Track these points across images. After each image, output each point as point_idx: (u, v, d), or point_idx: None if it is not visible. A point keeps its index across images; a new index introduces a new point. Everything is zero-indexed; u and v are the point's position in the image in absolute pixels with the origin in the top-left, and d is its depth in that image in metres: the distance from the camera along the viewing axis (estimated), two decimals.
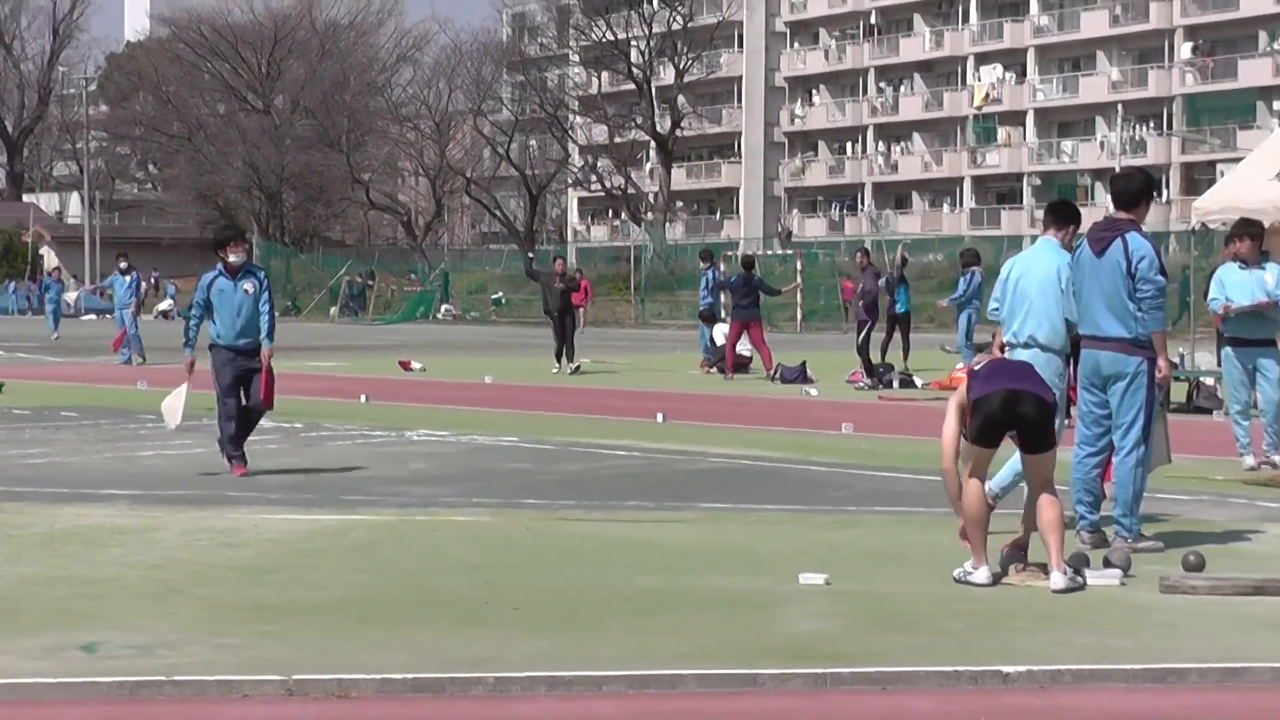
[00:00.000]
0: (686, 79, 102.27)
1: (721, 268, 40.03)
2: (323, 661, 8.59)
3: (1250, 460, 17.82)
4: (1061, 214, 13.56)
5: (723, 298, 38.13)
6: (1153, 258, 12.28)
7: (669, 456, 19.14)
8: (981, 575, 10.91)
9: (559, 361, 34.63)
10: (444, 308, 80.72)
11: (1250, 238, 18.45)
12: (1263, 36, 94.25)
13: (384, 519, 14.04)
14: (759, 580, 11.11)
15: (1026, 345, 13.04)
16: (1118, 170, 13.27)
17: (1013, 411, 10.89)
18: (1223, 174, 44.35)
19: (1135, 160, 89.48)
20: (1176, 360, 26.29)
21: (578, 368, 34.46)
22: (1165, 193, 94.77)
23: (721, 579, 11.18)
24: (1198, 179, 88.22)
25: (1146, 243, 12.37)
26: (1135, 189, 12.62)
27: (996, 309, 13.67)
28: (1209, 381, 24.48)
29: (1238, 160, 36.93)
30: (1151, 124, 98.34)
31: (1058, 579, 10.74)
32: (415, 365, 35.93)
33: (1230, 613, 10.07)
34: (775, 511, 14.61)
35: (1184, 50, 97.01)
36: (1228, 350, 18.61)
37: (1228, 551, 12.29)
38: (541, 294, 36.62)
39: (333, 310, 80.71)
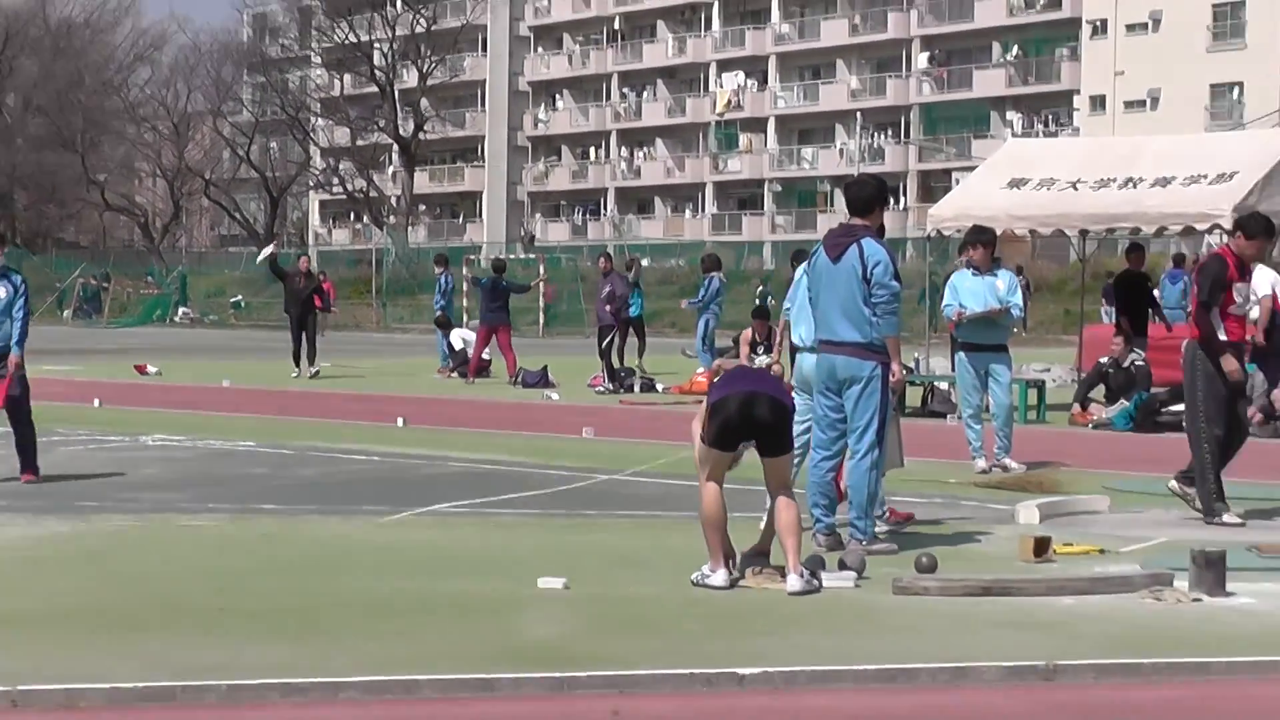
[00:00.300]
0: (430, 82, 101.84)
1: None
2: (50, 672, 8.41)
3: (982, 463, 18.17)
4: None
5: (465, 302, 38.05)
6: (888, 263, 12.48)
7: (409, 461, 19.06)
8: (719, 578, 10.99)
9: (298, 365, 34.28)
10: (181, 311, 79.53)
11: (983, 245, 18.82)
12: (996, 47, 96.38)
13: (117, 526, 13.81)
14: (497, 584, 11.09)
15: (813, 349, 13.26)
16: (854, 177, 13.48)
17: (749, 415, 10.99)
18: (958, 182, 45.16)
19: (874, 168, 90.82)
20: (912, 365, 26.78)
21: (317, 372, 34.16)
22: (902, 200, 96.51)
23: (460, 583, 11.15)
24: (934, 186, 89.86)
25: (882, 248, 12.56)
26: (869, 195, 12.80)
27: (788, 308, 13.95)
28: (943, 386, 24.95)
29: (972, 169, 37.65)
30: (890, 132, 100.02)
31: (794, 582, 10.85)
32: (151, 369, 35.38)
33: (960, 613, 10.26)
34: (515, 516, 14.62)
35: (921, 60, 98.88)
36: (961, 355, 18.99)
37: (959, 553, 12.52)
38: (285, 295, 36.15)
39: (66, 313, 79.15)
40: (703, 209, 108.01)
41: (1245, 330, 14.76)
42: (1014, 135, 79.61)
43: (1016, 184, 25.79)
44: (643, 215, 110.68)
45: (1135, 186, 24.85)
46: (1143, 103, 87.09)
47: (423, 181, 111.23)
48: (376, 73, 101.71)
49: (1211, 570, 10.83)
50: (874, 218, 12.76)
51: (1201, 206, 24.02)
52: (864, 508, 12.54)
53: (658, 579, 11.38)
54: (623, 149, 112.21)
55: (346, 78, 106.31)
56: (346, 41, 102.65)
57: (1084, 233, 26.81)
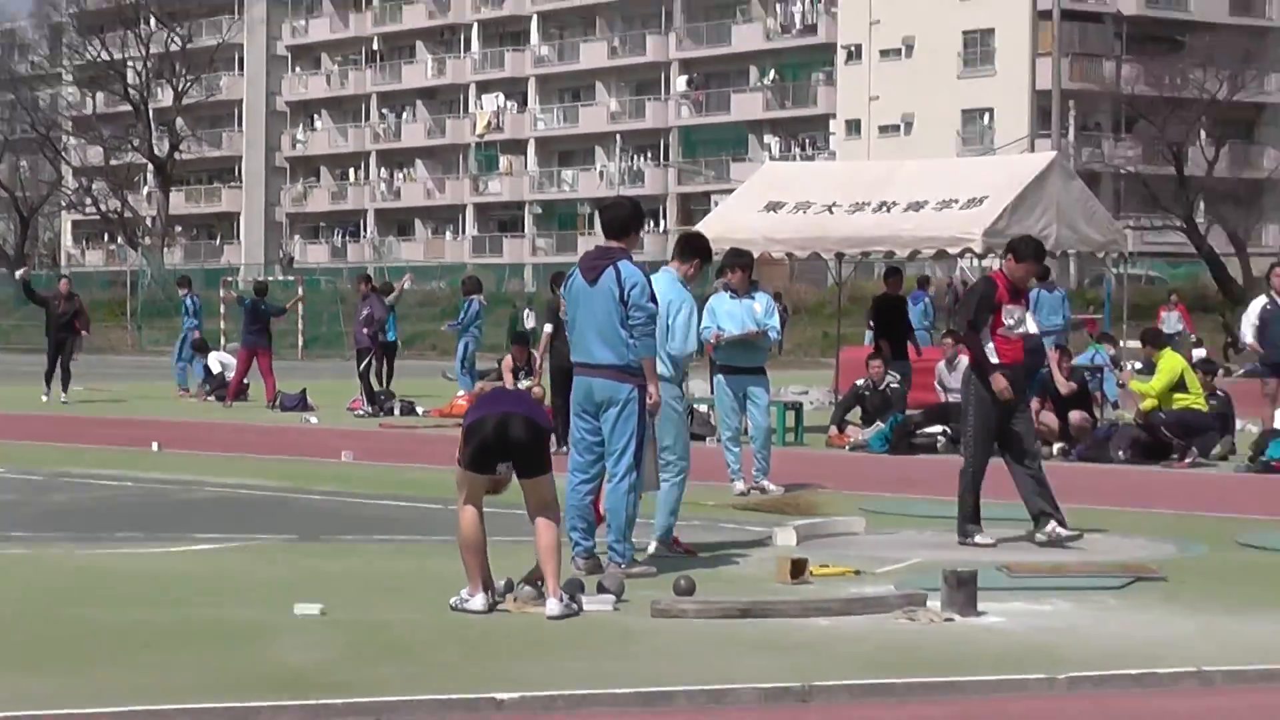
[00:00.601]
0: (185, 101, 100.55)
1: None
2: None
3: (740, 485, 18.30)
4: (688, 247, 13.97)
5: (222, 324, 37.55)
6: (645, 285, 12.54)
7: (163, 486, 18.79)
8: (478, 602, 10.96)
9: (49, 387, 33.59)
10: None
11: (740, 268, 18.93)
12: (754, 71, 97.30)
13: None
14: (253, 611, 10.98)
15: None
16: (610, 200, 13.57)
17: (504, 436, 10.97)
18: (717, 204, 45.47)
19: (633, 190, 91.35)
20: None
21: (66, 401, 33.40)
22: (662, 223, 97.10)
23: (214, 610, 11.02)
24: (694, 209, 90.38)
25: (638, 270, 12.62)
26: (624, 218, 12.86)
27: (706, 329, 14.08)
28: (702, 408, 25.10)
29: (731, 191, 37.93)
30: (649, 154, 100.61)
31: (553, 605, 10.85)
32: None
33: (718, 635, 10.33)
34: (271, 541, 14.47)
35: (679, 83, 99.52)
36: (719, 378, 19.11)
37: (717, 575, 12.61)
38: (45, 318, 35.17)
39: None
40: (463, 231, 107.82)
41: (1019, 352, 14.78)
42: (771, 158, 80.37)
43: (773, 207, 26.02)
44: (403, 237, 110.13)
45: (889, 210, 25.20)
46: (897, 127, 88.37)
47: (179, 202, 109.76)
48: (130, 91, 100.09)
49: (963, 590, 11.01)
50: (630, 240, 12.82)
51: (953, 231, 24.46)
52: (622, 530, 12.57)
53: (416, 604, 11.33)
54: (382, 170, 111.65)
55: (99, 96, 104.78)
56: (99, 59, 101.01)
57: (840, 256, 27.13)
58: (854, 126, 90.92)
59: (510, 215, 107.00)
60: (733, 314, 18.68)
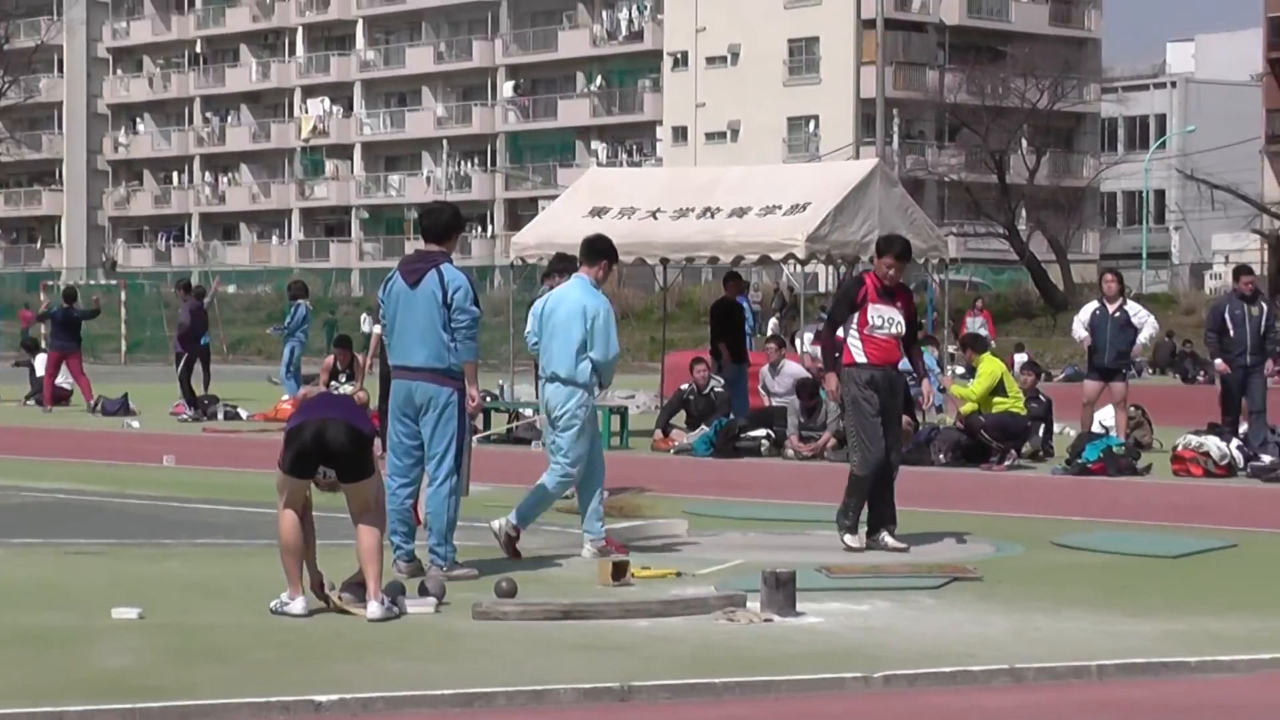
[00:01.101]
0: (3, 103, 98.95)
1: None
2: None
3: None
4: (593, 250, 14.00)
5: (43, 328, 37.07)
6: (468, 288, 12.55)
7: None
8: (298, 605, 10.91)
9: None
10: None
11: (566, 273, 18.93)
12: (580, 78, 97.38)
13: None
14: (69, 615, 10.86)
15: (551, 379, 13.51)
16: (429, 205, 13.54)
17: (323, 441, 10.93)
18: (544, 210, 45.46)
19: (460, 195, 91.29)
20: (496, 391, 26.92)
21: None
22: (489, 228, 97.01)
23: (29, 615, 10.88)
24: (521, 215, 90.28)
25: (460, 274, 12.64)
26: (445, 222, 12.88)
27: (535, 342, 14.04)
28: (528, 413, 25.09)
29: (557, 197, 37.97)
30: (476, 160, 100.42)
31: (374, 608, 10.83)
32: None
33: (539, 637, 10.35)
34: (90, 545, 14.29)
35: (506, 89, 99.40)
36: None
37: (540, 578, 12.63)
38: None
39: None
40: (289, 235, 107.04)
41: (892, 353, 14.47)
42: (599, 164, 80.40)
43: (598, 212, 25.96)
44: (228, 241, 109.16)
45: (713, 216, 25.26)
46: (724, 134, 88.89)
47: None
48: None
49: (782, 591, 11.10)
50: (450, 244, 12.84)
51: (777, 236, 24.58)
52: (444, 534, 12.58)
53: (235, 607, 11.26)
54: (207, 174, 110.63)
55: None
56: None
57: (665, 261, 27.17)
58: (681, 133, 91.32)
59: (337, 220, 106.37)
60: None
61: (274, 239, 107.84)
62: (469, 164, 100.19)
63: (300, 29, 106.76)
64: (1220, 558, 14.30)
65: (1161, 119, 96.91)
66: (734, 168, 35.46)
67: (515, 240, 26.93)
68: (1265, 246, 75.49)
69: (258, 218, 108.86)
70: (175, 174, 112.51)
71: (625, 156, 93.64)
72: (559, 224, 26.40)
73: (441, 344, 12.43)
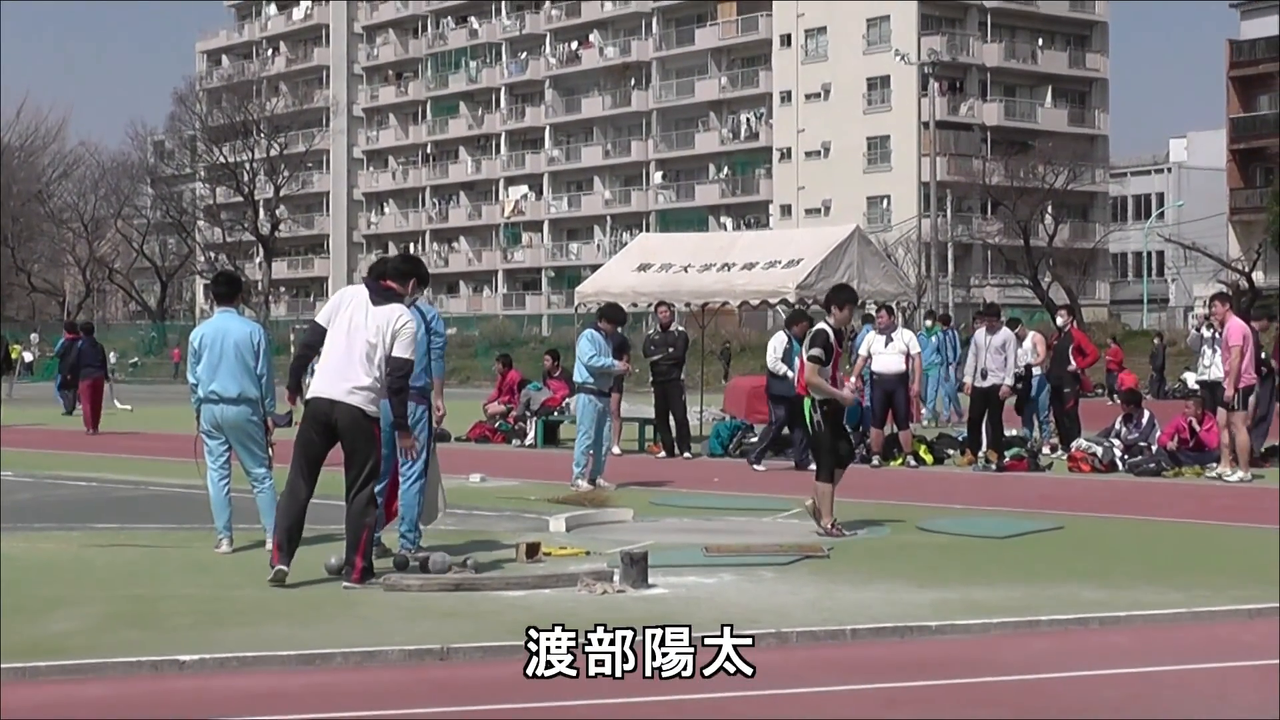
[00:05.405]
0: (284, 193, 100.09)
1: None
2: None
3: (584, 484, 17.59)
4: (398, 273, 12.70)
5: None
6: (436, 316, 12.06)
7: None
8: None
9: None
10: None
11: (611, 320, 18.67)
12: (711, 168, 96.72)
13: None
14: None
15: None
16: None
17: None
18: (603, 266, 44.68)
19: None
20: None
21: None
22: None
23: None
24: None
25: (417, 310, 12.01)
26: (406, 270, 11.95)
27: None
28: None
29: None
30: (634, 231, 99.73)
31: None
32: None
33: (424, 606, 9.58)
34: None
35: (657, 177, 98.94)
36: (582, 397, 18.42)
37: (484, 556, 11.85)
38: None
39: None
40: (496, 290, 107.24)
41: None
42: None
43: (643, 268, 25.40)
44: (450, 294, 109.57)
45: (729, 270, 24.59)
46: (819, 209, 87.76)
47: (280, 269, 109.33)
48: (243, 186, 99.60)
49: (635, 567, 10.39)
50: (404, 289, 12.06)
51: (774, 285, 23.85)
52: (414, 522, 11.97)
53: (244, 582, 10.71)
54: (435, 244, 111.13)
55: (220, 190, 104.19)
56: (220, 162, 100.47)
57: (688, 304, 26.44)
58: (786, 209, 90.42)
59: (531, 278, 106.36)
60: (607, 350, 18.22)
61: (485, 293, 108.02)
62: (629, 234, 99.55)
63: (503, 134, 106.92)
64: (1041, 538, 13.14)
65: (1160, 196, 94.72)
66: (749, 232, 34.66)
67: (579, 290, 26.18)
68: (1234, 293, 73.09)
69: (473, 277, 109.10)
70: (411, 244, 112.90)
71: (745, 227, 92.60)
72: (609, 277, 25.81)
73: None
